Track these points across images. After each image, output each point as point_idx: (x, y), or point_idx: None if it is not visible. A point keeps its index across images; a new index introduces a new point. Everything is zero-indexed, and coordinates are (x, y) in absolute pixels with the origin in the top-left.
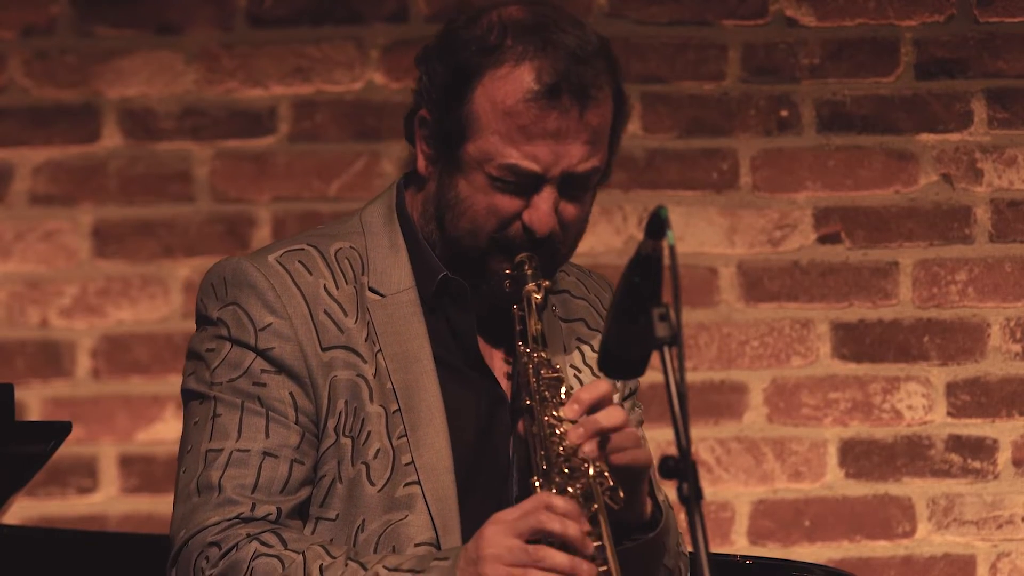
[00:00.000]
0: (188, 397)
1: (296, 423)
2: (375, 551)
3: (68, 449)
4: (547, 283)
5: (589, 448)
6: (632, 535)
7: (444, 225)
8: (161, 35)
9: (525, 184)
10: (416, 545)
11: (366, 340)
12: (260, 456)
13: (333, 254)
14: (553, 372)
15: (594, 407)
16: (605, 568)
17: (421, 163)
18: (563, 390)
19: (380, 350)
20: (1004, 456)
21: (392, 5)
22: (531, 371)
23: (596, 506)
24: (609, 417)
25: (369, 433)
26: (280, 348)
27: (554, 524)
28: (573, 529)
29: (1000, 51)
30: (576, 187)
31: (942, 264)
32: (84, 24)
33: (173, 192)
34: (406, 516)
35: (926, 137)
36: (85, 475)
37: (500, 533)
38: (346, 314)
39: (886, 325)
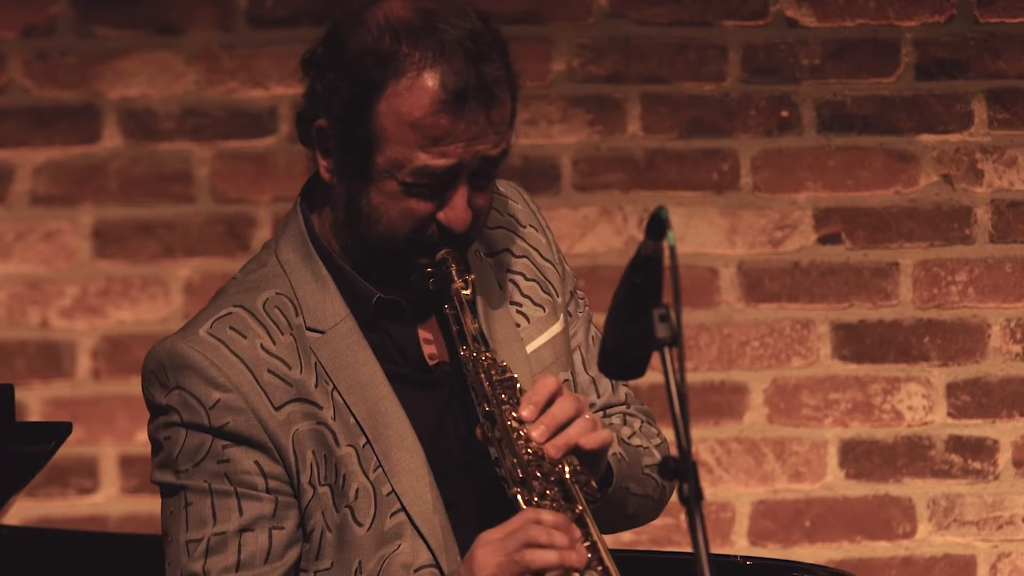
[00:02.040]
0: (160, 487)
1: (267, 491)
2: None
3: (68, 450)
4: (472, 276)
5: (554, 447)
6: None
7: (358, 232)
8: (161, 36)
9: (439, 184)
10: (416, 571)
11: (316, 386)
12: (237, 535)
13: (261, 307)
14: (503, 374)
15: (548, 403)
16: (601, 568)
17: (324, 173)
18: (518, 389)
19: (335, 387)
20: (1004, 457)
21: None
22: (482, 375)
23: (580, 507)
24: (564, 409)
25: (345, 476)
26: (234, 421)
27: (542, 537)
28: (561, 540)
29: (1000, 52)
30: (486, 174)
31: (942, 265)
32: (84, 24)
33: (173, 193)
34: (399, 546)
35: (926, 138)
36: (85, 476)
37: (490, 554)
38: (289, 367)
39: (886, 326)
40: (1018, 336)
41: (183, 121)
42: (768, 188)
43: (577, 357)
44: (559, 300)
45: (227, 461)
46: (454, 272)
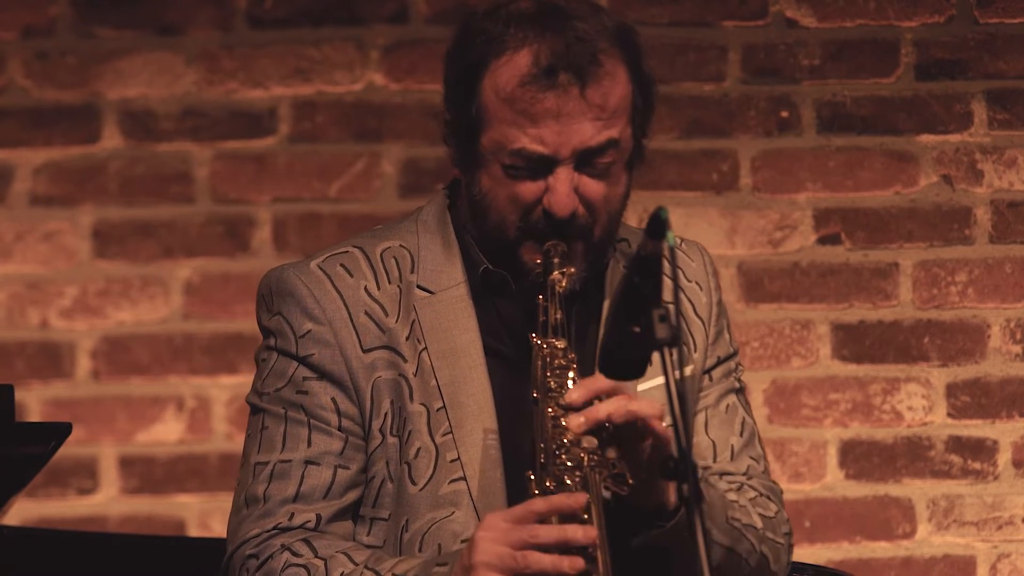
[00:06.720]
0: (250, 408)
1: (339, 429)
2: (420, 550)
3: (68, 450)
4: (572, 270)
5: (589, 437)
6: (658, 523)
7: (477, 221)
8: (161, 36)
9: (539, 168)
10: (462, 541)
11: (407, 339)
12: (302, 466)
13: (379, 254)
14: (564, 361)
15: (599, 395)
16: (594, 556)
17: (451, 164)
18: (570, 378)
19: (425, 347)
20: (1004, 457)
21: (392, 6)
22: (539, 363)
23: (588, 495)
24: (610, 404)
25: (411, 432)
26: (320, 354)
27: (547, 536)
28: (567, 533)
29: (1000, 52)
30: (594, 163)
31: (942, 265)
32: (84, 25)
33: (173, 193)
34: (452, 513)
35: (926, 138)
36: (85, 476)
37: (491, 541)
38: (387, 314)
39: (886, 326)
40: (1018, 336)
41: (183, 121)
42: (768, 188)
43: (701, 417)
44: (695, 355)
45: (305, 393)
46: (555, 263)
